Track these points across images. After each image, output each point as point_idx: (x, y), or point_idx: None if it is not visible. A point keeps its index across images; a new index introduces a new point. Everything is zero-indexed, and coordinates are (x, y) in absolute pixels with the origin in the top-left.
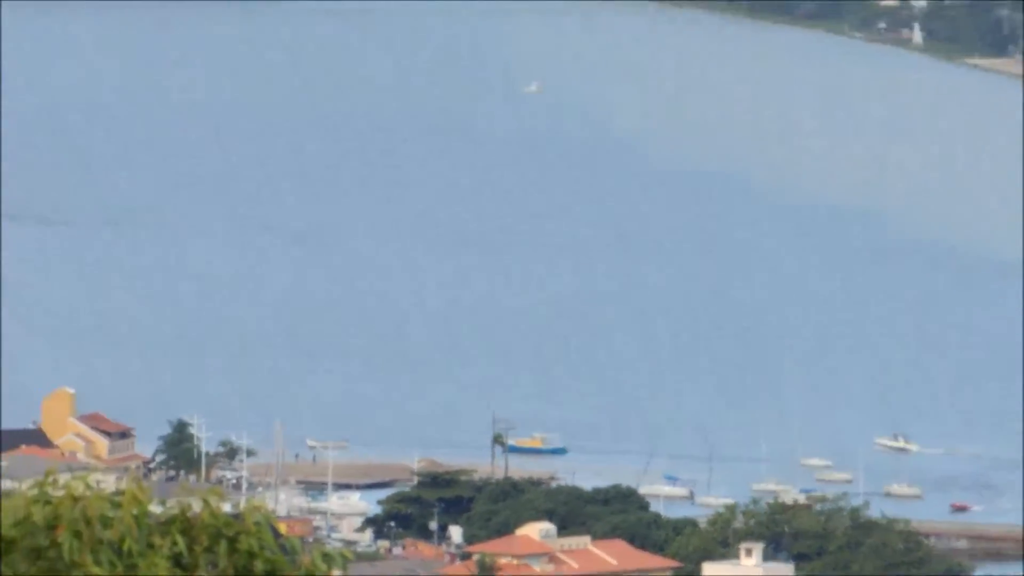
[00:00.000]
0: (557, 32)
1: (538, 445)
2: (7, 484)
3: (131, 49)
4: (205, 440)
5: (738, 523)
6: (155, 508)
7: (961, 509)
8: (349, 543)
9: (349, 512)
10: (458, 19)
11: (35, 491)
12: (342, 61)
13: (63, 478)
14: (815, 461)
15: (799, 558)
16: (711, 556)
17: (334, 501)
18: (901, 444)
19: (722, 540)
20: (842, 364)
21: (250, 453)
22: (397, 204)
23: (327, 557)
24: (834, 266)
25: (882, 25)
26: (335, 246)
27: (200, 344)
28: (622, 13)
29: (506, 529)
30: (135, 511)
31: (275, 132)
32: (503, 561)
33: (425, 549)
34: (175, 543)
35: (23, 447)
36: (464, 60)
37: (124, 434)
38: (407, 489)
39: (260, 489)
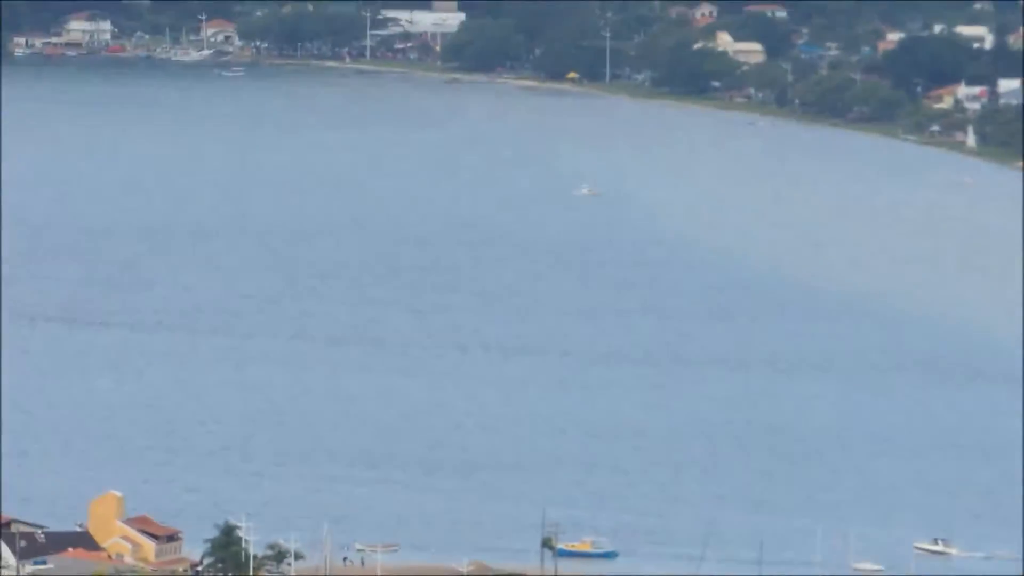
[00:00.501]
0: (608, 134)
1: (587, 548)
2: None
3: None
4: (253, 543)
5: None
6: None
7: None
8: None
9: None
10: (506, 124)
11: None
12: (389, 169)
13: None
14: (866, 566)
15: None
16: None
17: None
18: (941, 548)
19: None
20: (890, 468)
21: (298, 556)
22: (448, 311)
23: None
24: (881, 372)
25: (935, 128)
26: (386, 353)
27: (248, 447)
28: (675, 111)
29: None
30: None
31: (321, 239)
32: None
33: None
34: None
35: (70, 550)
36: (513, 164)
37: (172, 537)
38: None
39: None
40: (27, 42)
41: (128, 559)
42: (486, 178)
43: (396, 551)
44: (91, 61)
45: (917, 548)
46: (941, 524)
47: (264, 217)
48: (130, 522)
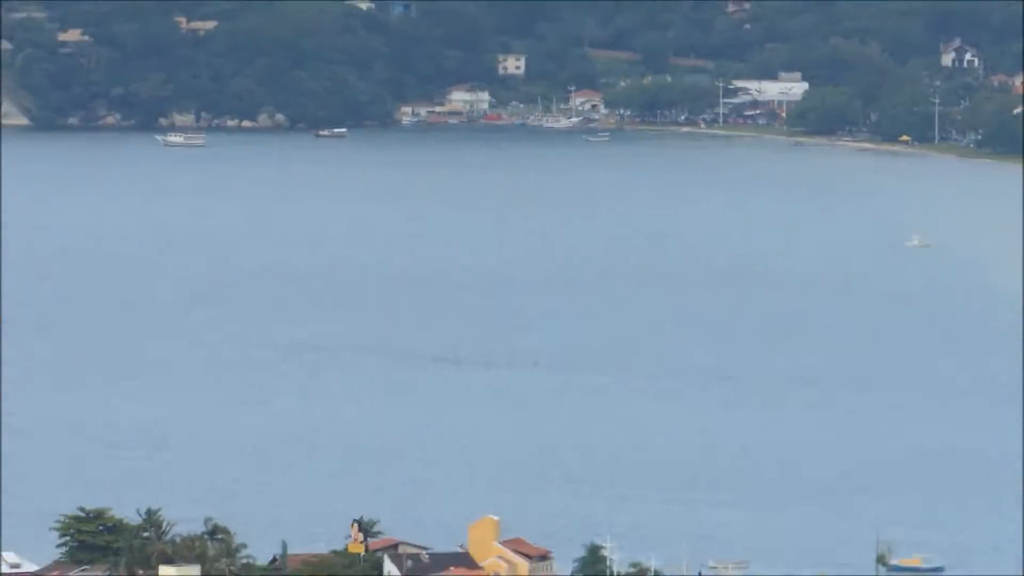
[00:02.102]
0: (937, 190)
1: (918, 564)
2: None
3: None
4: (617, 562)
5: None
6: None
7: None
8: None
9: None
10: (845, 181)
11: None
12: (742, 220)
13: None
14: None
15: None
16: None
17: None
18: None
19: None
20: None
21: (658, 574)
22: (797, 351)
23: None
24: None
25: None
26: (741, 389)
27: (614, 472)
28: (997, 169)
29: None
30: None
31: (688, 286)
32: None
33: None
34: None
35: (452, 568)
36: (852, 217)
37: (543, 557)
38: None
39: None
40: (413, 111)
41: (502, 572)
42: (827, 229)
43: (746, 568)
44: (470, 128)
45: None
46: None
47: (634, 263)
48: (506, 543)
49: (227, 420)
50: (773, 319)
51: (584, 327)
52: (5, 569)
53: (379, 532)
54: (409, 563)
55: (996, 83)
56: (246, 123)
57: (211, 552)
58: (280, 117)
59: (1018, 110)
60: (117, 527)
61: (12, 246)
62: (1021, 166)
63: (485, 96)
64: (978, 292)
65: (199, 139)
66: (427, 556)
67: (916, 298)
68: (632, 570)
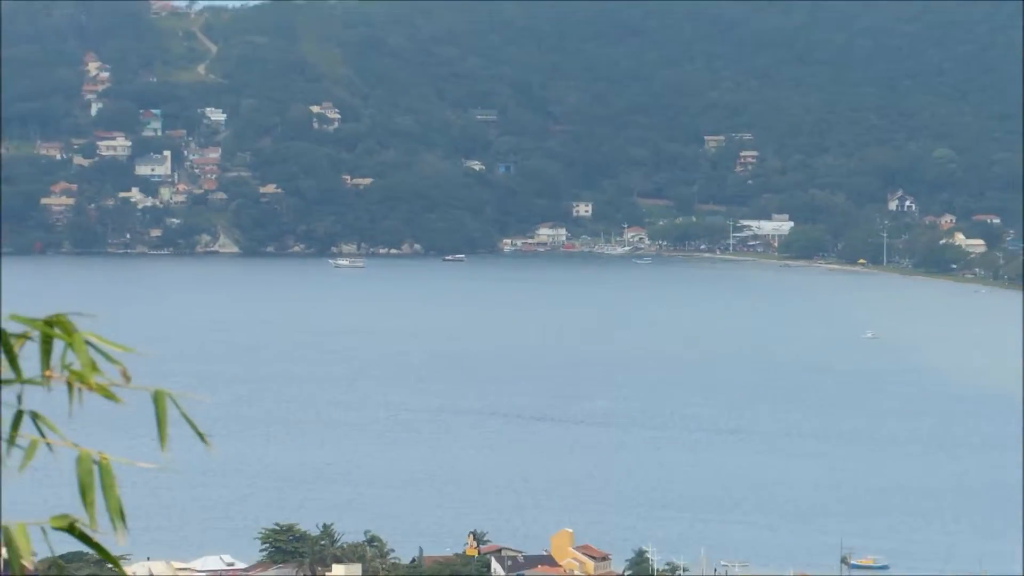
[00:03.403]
0: (886, 297)
1: (870, 563)
2: None
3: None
4: (656, 562)
5: None
6: None
7: None
8: None
9: None
10: (818, 293)
11: None
12: (746, 322)
13: None
14: None
15: None
16: None
17: None
18: None
19: None
20: None
21: (685, 570)
22: (778, 412)
23: None
24: None
25: None
26: None
27: (655, 499)
28: (928, 284)
29: None
30: None
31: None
32: None
33: None
34: None
35: (539, 567)
36: (822, 317)
37: (604, 558)
38: None
39: None
40: (511, 242)
41: (577, 572)
42: (806, 325)
43: (747, 566)
44: (552, 255)
45: None
46: None
47: (668, 350)
48: (578, 548)
49: (381, 460)
50: (766, 389)
51: (631, 396)
52: (220, 566)
53: (487, 540)
54: (509, 563)
55: (927, 222)
56: (393, 251)
57: (369, 555)
58: (417, 246)
59: (943, 241)
60: (302, 537)
61: (239, 336)
62: (943, 280)
63: (563, 231)
64: (914, 369)
65: (360, 263)
66: (522, 558)
67: (870, 375)
68: (666, 568)
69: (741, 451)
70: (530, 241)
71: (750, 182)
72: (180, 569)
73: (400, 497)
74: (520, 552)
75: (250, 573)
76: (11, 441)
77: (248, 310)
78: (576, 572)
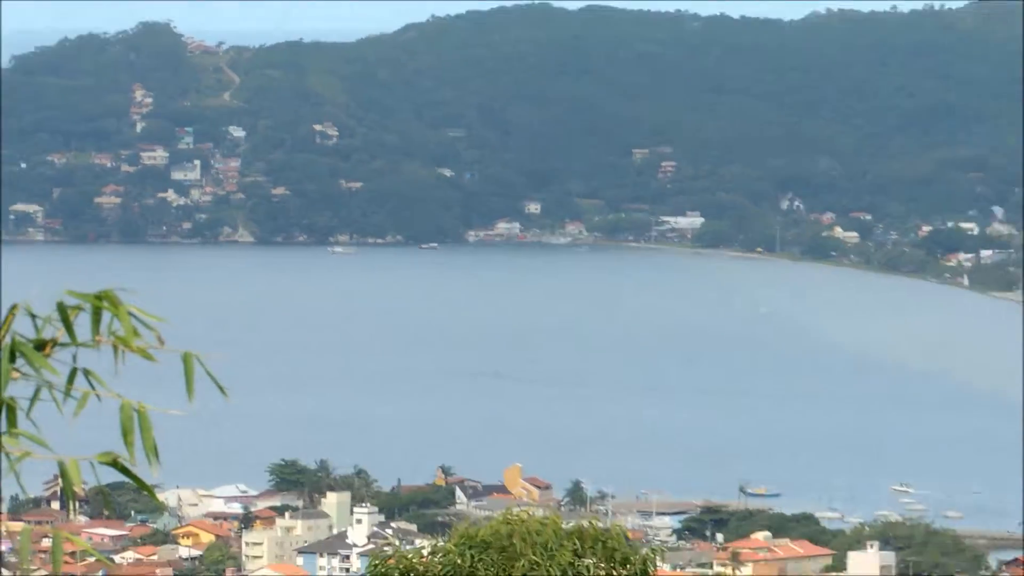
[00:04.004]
0: (778, 279)
1: (763, 491)
2: (486, 514)
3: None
4: (589, 489)
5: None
6: (565, 526)
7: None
8: None
9: None
10: (724, 275)
11: (501, 517)
12: (655, 294)
13: (516, 510)
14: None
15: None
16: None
17: None
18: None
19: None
20: None
21: (603, 494)
22: (691, 374)
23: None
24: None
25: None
26: None
27: (595, 439)
28: (814, 269)
29: None
30: (553, 528)
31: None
32: None
33: None
34: (573, 543)
35: (495, 494)
36: (728, 296)
37: (547, 487)
38: None
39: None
40: (475, 234)
41: (525, 498)
42: (713, 301)
43: (661, 493)
44: (508, 244)
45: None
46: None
47: (598, 321)
48: (526, 479)
49: (367, 408)
50: (678, 353)
51: (570, 359)
52: (236, 493)
53: (453, 472)
54: (470, 491)
55: (812, 218)
56: (379, 240)
57: (356, 484)
58: (399, 237)
59: (824, 233)
60: (302, 470)
61: (253, 307)
62: (825, 265)
63: (517, 225)
64: (800, 337)
65: (351, 250)
66: (481, 487)
67: (763, 342)
68: (597, 494)
69: (656, 403)
70: (490, 233)
71: (669, 186)
72: (203, 495)
73: (382, 438)
74: (479, 482)
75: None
76: (67, 393)
77: (261, 288)
78: (524, 499)
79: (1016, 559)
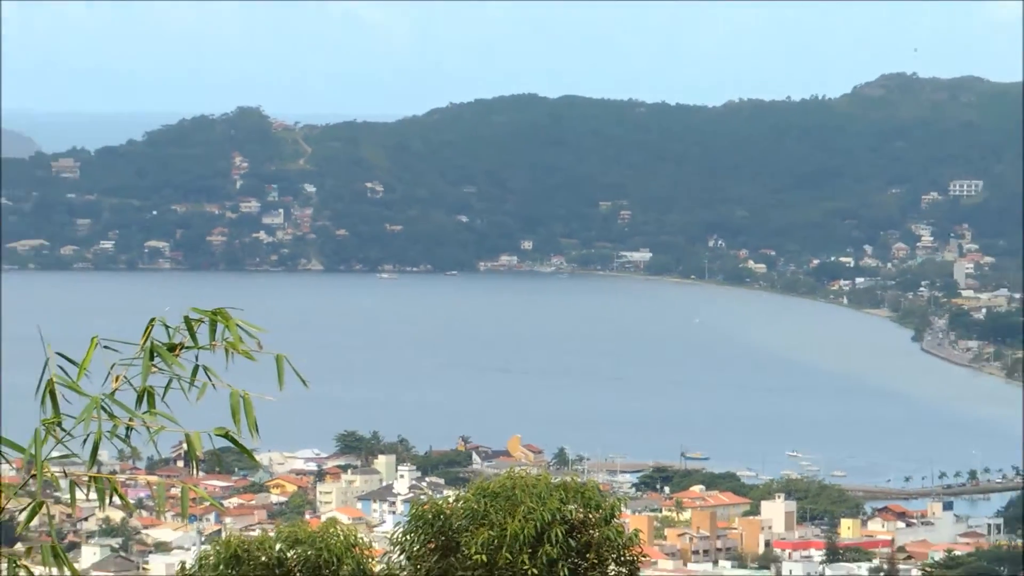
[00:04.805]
0: (712, 297)
1: (699, 456)
2: (495, 472)
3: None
4: (570, 453)
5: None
6: (553, 480)
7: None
8: None
9: None
10: (666, 295)
11: (506, 474)
12: (618, 313)
13: (517, 469)
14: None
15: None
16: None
17: None
18: (796, 455)
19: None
20: None
21: (581, 457)
22: (629, 367)
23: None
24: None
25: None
26: None
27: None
28: (733, 292)
29: None
30: (544, 482)
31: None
32: None
33: None
34: (560, 494)
35: (500, 457)
36: (669, 311)
37: (539, 452)
38: None
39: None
40: (484, 264)
41: (523, 460)
42: (657, 315)
43: (627, 456)
44: (509, 272)
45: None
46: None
47: (580, 332)
48: (524, 446)
49: (408, 394)
50: (635, 354)
51: (555, 356)
52: (311, 455)
53: (470, 441)
54: (483, 455)
55: (732, 253)
56: (414, 269)
57: (399, 449)
58: (428, 266)
59: (740, 265)
60: (360, 438)
61: (323, 319)
62: (742, 290)
63: (515, 258)
64: (726, 343)
65: (394, 276)
66: (491, 451)
67: (697, 346)
68: (576, 457)
69: (619, 390)
70: (495, 263)
71: (626, 229)
72: (287, 456)
73: (418, 415)
74: (489, 448)
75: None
76: (191, 383)
77: (328, 304)
78: (523, 460)
79: (886, 507)
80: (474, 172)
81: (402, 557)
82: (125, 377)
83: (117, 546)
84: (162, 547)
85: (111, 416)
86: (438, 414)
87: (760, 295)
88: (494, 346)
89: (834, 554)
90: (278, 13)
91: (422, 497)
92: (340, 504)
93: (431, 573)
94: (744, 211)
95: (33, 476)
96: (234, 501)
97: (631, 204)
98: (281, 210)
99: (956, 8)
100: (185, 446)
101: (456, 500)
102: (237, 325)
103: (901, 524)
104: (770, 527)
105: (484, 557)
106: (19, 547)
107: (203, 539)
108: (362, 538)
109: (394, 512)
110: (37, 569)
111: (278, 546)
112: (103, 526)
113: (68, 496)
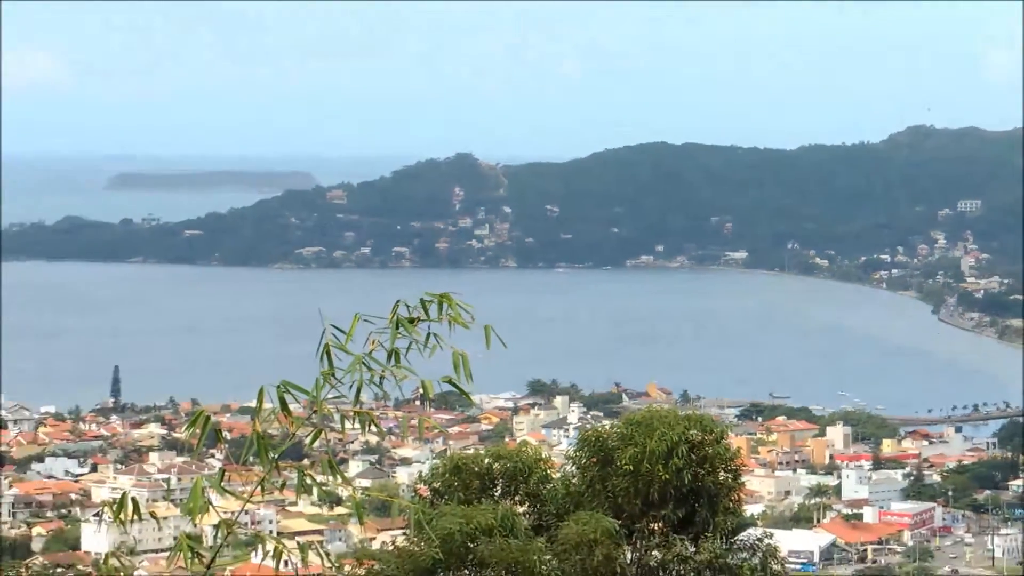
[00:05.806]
0: (786, 281)
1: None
2: (638, 407)
3: None
4: (692, 392)
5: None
6: (680, 413)
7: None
8: None
9: None
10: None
11: (647, 408)
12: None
13: (654, 405)
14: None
15: None
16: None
17: None
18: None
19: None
20: None
21: (573, 386)
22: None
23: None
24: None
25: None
26: None
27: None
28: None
29: None
30: (673, 414)
31: None
32: None
33: None
34: (685, 422)
35: (642, 396)
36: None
37: (670, 393)
38: None
39: None
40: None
41: (659, 399)
42: (750, 297)
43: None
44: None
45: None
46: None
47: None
48: (660, 388)
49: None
50: (727, 322)
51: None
52: (509, 395)
53: (620, 385)
54: (631, 394)
55: (804, 253)
56: (580, 265)
57: (571, 391)
58: (590, 263)
59: (809, 261)
60: (544, 384)
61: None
62: (808, 278)
63: (651, 258)
64: (803, 317)
65: (567, 271)
66: (635, 392)
67: (780, 319)
68: (695, 396)
69: (724, 348)
70: (636, 262)
71: (729, 236)
72: (492, 397)
73: (583, 365)
74: (635, 390)
75: None
76: (425, 344)
77: (521, 292)
78: (658, 399)
79: (915, 430)
80: (622, 197)
81: (573, 468)
82: (379, 341)
83: (373, 461)
84: (405, 462)
85: (369, 369)
86: (598, 366)
87: (824, 282)
88: (638, 318)
89: (878, 464)
90: (495, 77)
91: (587, 427)
92: (530, 430)
93: (593, 479)
94: (812, 223)
95: (315, 411)
96: (455, 429)
97: (733, 219)
98: (487, 225)
99: (961, 67)
100: (421, 390)
101: (611, 427)
102: (457, 304)
103: (925, 442)
104: (833, 445)
105: (631, 467)
106: (305, 462)
107: (434, 456)
108: (546, 455)
109: (567, 436)
110: (319, 476)
111: (487, 460)
112: (364, 447)
113: (339, 425)
